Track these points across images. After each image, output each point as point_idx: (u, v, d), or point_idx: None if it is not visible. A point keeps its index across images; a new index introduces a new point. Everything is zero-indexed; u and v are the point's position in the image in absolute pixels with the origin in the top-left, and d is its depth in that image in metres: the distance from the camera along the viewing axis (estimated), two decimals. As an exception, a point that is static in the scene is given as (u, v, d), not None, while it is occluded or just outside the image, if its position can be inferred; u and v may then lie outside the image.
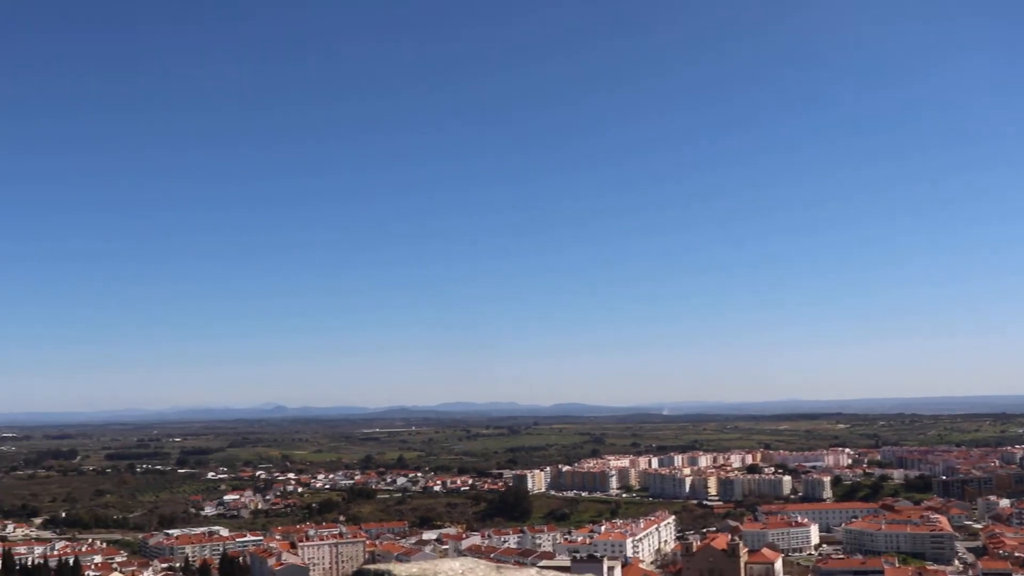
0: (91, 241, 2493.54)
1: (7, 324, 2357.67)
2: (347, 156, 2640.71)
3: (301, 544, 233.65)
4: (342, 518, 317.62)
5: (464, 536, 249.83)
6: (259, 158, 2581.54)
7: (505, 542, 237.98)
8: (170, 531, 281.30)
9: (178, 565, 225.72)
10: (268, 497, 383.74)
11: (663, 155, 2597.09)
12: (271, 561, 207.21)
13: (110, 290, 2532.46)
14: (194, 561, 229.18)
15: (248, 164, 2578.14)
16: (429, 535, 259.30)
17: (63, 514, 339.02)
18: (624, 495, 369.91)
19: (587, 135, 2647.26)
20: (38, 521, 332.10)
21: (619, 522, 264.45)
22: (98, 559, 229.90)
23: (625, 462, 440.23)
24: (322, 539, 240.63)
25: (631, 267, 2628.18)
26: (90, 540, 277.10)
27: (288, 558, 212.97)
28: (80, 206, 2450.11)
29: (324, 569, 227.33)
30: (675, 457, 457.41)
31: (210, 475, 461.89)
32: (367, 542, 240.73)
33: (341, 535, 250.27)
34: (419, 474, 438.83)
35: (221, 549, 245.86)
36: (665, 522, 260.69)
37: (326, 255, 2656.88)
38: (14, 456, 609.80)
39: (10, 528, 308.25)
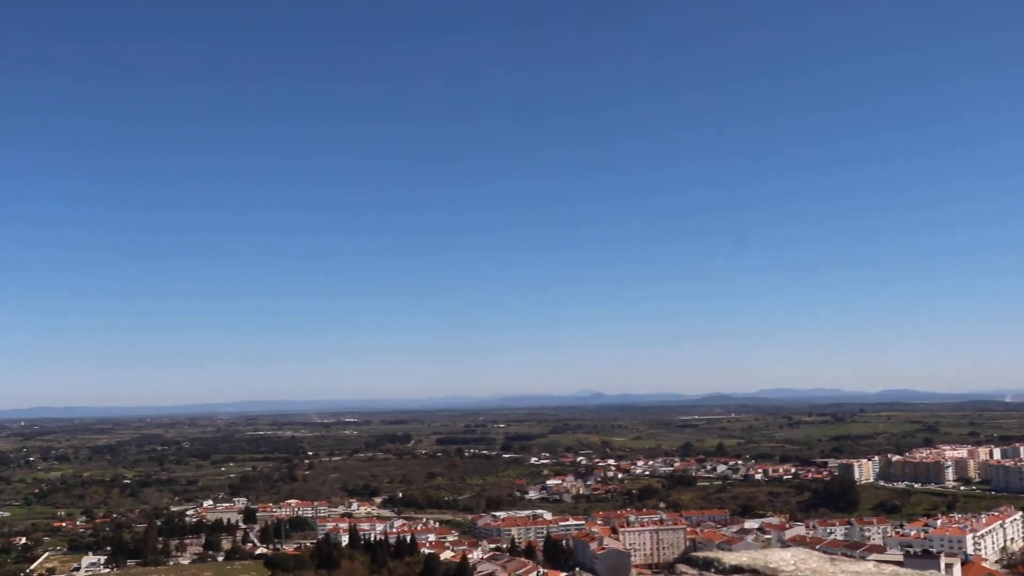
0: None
1: (367, 320, 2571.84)
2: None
3: (622, 529, 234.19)
4: (662, 505, 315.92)
5: (788, 526, 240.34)
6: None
7: (831, 533, 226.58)
8: (497, 513, 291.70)
9: (505, 546, 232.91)
10: (589, 482, 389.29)
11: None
12: (593, 545, 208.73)
13: (444, 286, 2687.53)
14: (520, 543, 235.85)
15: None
16: (751, 524, 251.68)
17: (400, 494, 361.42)
18: (962, 488, 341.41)
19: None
20: (378, 500, 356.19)
21: (957, 516, 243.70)
22: (432, 537, 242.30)
23: (962, 452, 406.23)
24: (643, 525, 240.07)
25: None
26: (424, 519, 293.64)
27: (609, 543, 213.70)
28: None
29: (645, 555, 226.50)
30: (1021, 448, 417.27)
31: (533, 460, 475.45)
32: (687, 529, 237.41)
33: (661, 522, 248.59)
34: (739, 462, 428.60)
35: (545, 532, 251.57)
36: (1011, 518, 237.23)
37: (642, 249, 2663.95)
38: (356, 440, 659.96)
39: (354, 506, 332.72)
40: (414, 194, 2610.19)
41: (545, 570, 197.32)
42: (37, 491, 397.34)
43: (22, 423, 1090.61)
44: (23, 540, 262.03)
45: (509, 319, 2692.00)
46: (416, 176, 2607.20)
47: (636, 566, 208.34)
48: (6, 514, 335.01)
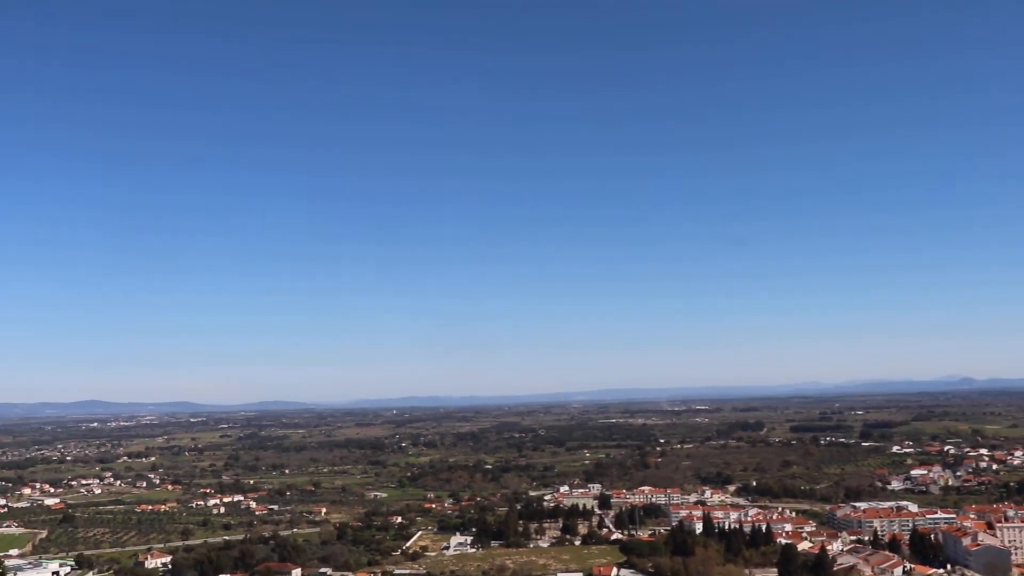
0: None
1: (717, 304, 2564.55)
2: None
3: (999, 525, 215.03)
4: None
5: None
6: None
7: None
8: (857, 504, 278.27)
9: (866, 538, 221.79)
10: (959, 473, 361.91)
11: None
12: (966, 541, 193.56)
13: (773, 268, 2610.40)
14: (883, 535, 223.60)
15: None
16: None
17: (753, 483, 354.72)
18: None
19: None
20: (731, 488, 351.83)
21: None
22: (788, 527, 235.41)
23: None
24: (1023, 521, 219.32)
25: None
26: (779, 508, 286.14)
27: (985, 539, 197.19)
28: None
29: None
30: None
31: (895, 449, 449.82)
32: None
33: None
34: None
35: (910, 525, 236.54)
36: None
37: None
38: (707, 427, 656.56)
39: (707, 494, 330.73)
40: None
41: (911, 565, 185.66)
42: (409, 474, 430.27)
43: (394, 411, 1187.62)
44: (399, 519, 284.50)
45: (864, 300, 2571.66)
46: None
47: (1017, 565, 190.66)
48: (383, 495, 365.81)
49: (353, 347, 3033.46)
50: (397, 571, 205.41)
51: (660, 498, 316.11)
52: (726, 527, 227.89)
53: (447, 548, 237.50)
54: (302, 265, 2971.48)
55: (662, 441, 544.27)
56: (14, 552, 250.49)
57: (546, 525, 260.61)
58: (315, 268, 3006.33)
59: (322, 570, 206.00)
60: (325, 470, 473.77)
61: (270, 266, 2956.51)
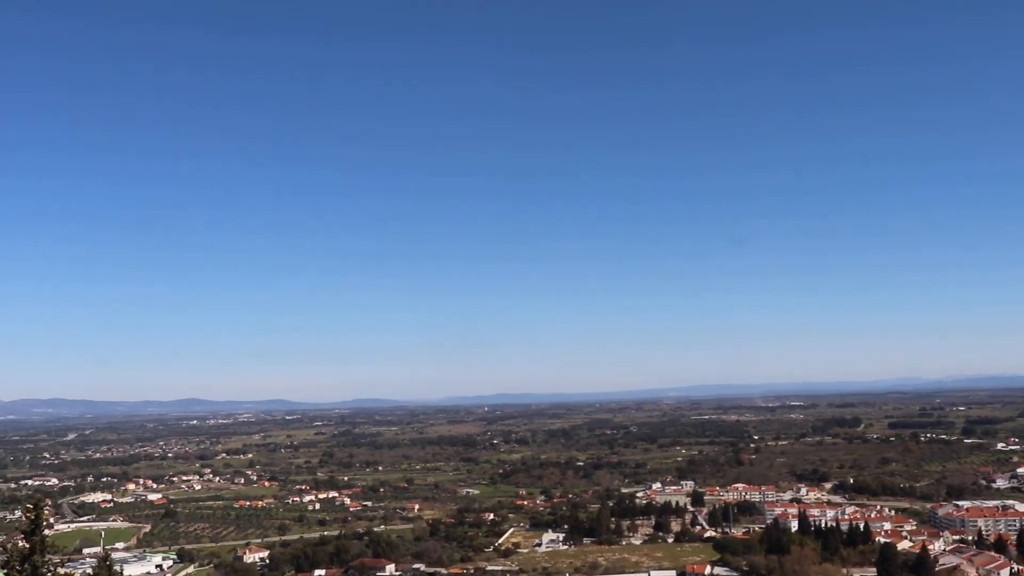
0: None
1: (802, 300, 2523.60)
2: None
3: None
4: None
5: None
6: None
7: None
8: (959, 502, 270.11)
9: (970, 538, 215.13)
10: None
11: None
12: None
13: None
14: (988, 535, 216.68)
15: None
16: None
17: (850, 480, 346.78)
18: None
19: None
20: (827, 486, 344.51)
21: None
22: (887, 526, 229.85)
23: None
24: None
25: None
26: (878, 507, 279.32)
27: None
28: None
29: None
30: None
31: (999, 446, 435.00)
32: None
33: None
34: None
35: (1017, 525, 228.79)
36: None
37: None
38: (802, 424, 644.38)
39: (803, 491, 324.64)
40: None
41: (1019, 566, 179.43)
42: (501, 471, 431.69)
43: (485, 408, 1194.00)
44: (491, 516, 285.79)
45: (969, 294, 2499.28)
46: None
47: None
48: (475, 492, 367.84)
49: (446, 345, 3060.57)
50: (489, 567, 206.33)
51: (754, 496, 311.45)
52: (822, 525, 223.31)
53: (539, 545, 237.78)
54: (399, 264, 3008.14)
55: (756, 438, 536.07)
56: (120, 545, 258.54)
57: (638, 522, 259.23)
58: (411, 268, 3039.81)
59: (415, 566, 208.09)
60: (418, 467, 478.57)
61: (365, 265, 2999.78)
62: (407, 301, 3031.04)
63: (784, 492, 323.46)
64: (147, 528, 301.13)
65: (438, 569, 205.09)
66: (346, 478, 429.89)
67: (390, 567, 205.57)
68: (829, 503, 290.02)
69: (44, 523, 45.36)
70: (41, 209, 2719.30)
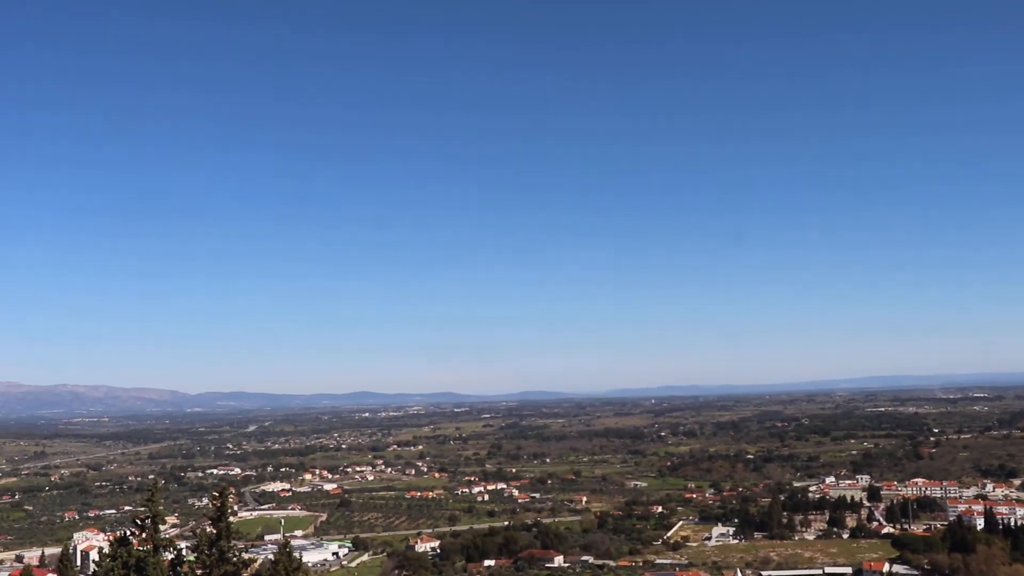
0: None
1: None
2: None
3: None
4: None
5: None
6: None
7: None
8: None
9: None
10: None
11: None
12: None
13: None
14: None
15: None
16: None
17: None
18: None
19: None
20: (1016, 482, 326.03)
21: None
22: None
23: None
24: None
25: None
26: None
27: None
28: None
29: None
30: None
31: None
32: None
33: None
34: None
35: None
36: None
37: None
38: (987, 416, 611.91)
39: (988, 487, 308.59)
40: None
41: None
42: (669, 464, 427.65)
43: (652, 400, 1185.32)
44: (659, 509, 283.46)
45: None
46: None
47: None
48: (644, 484, 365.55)
49: (613, 336, 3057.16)
50: (658, 560, 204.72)
51: (935, 491, 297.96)
52: (1012, 524, 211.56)
53: (708, 539, 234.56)
54: (567, 255, 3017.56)
55: (936, 431, 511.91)
56: (299, 533, 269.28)
57: (811, 517, 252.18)
58: (579, 258, 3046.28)
59: (584, 558, 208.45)
60: (585, 459, 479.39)
61: (532, 258, 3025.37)
62: (573, 291, 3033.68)
63: (967, 488, 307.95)
64: (323, 517, 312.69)
65: (606, 561, 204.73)
66: (514, 470, 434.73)
67: (558, 559, 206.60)
68: (1018, 500, 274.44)
69: (229, 510, 47.65)
70: (223, 207, 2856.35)
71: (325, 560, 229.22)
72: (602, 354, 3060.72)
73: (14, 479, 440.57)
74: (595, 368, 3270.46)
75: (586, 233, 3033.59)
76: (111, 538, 49.94)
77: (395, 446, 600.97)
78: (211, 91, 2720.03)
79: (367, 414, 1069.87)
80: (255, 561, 64.37)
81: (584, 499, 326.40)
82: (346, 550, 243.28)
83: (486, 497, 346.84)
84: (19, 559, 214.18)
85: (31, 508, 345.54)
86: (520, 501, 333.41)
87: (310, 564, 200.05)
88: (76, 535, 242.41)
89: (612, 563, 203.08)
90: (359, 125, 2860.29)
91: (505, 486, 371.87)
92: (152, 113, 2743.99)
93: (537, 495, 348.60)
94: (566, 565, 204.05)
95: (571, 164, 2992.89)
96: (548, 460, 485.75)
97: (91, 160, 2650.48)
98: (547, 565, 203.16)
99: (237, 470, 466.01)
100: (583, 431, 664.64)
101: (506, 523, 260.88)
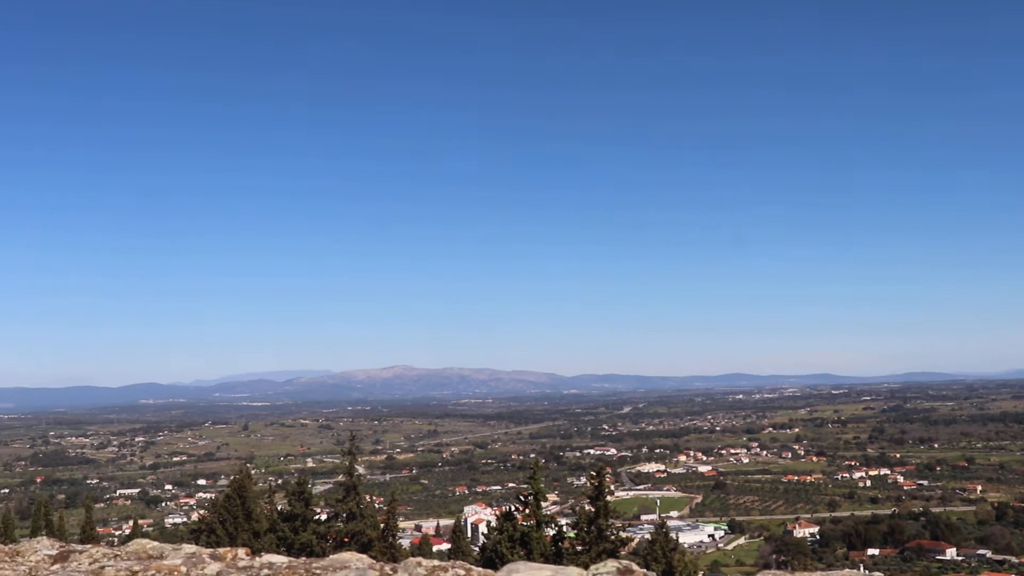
0: None
1: None
2: None
3: None
4: None
5: None
6: None
7: None
8: None
9: None
10: None
11: None
12: None
13: None
14: None
15: None
16: None
17: None
18: None
19: None
20: None
21: None
22: None
23: None
24: None
25: None
26: None
27: None
28: None
29: None
30: None
31: None
32: None
33: None
34: None
35: None
36: None
37: None
38: None
39: None
40: None
41: None
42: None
43: None
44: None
45: None
46: None
47: None
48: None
49: (1007, 313, 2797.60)
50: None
51: None
52: None
53: None
54: (976, 236, 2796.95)
55: None
56: (674, 514, 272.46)
57: None
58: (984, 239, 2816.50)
59: (980, 552, 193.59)
60: (978, 445, 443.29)
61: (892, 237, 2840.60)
62: (966, 268, 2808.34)
63: None
64: (698, 499, 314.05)
65: (1007, 557, 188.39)
66: (897, 455, 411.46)
67: (951, 551, 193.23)
68: None
69: (606, 490, 49.37)
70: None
71: (701, 542, 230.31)
72: (996, 332, 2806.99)
73: (411, 455, 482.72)
74: (988, 347, 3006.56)
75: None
76: (497, 512, 53.44)
77: (770, 428, 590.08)
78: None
79: (740, 396, 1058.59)
80: (632, 540, 66.10)
81: (979, 488, 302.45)
82: (722, 532, 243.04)
83: (868, 483, 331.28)
84: (418, 528, 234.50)
85: (426, 482, 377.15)
86: (906, 488, 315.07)
87: (686, 545, 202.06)
88: (466, 508, 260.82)
89: (1014, 559, 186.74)
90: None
91: (888, 472, 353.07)
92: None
93: (924, 482, 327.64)
94: (959, 558, 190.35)
95: None
96: (936, 445, 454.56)
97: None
98: (938, 557, 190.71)
99: (612, 451, 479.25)
100: (975, 415, 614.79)
101: (890, 511, 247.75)
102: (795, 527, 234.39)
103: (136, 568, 5.21)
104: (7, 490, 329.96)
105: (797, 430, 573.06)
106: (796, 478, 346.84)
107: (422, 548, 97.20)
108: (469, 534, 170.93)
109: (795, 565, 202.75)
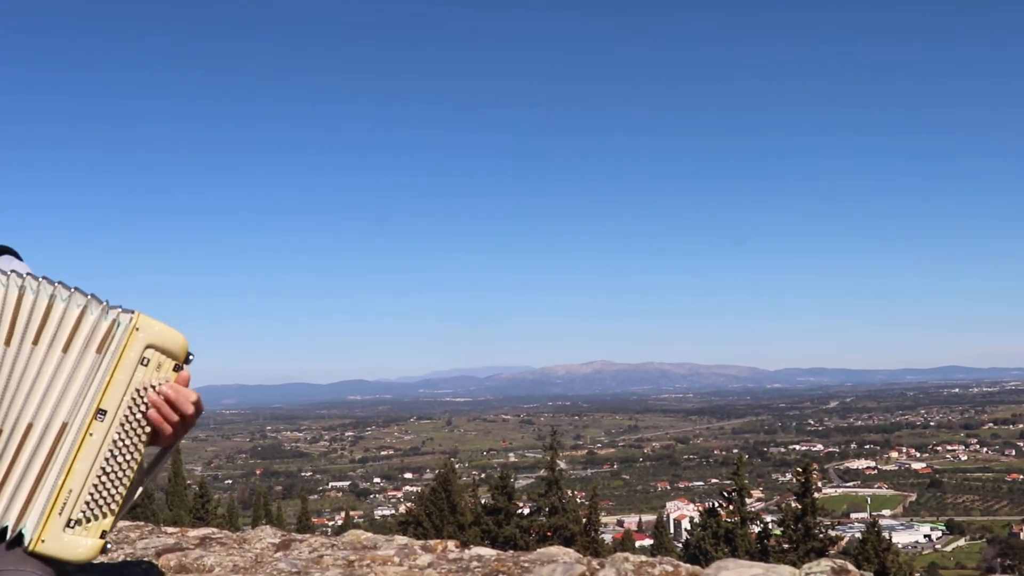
0: None
1: None
2: None
3: None
4: None
5: None
6: None
7: None
8: None
9: None
10: None
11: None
12: None
13: None
14: None
15: None
16: None
17: None
18: None
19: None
20: None
21: None
22: None
23: None
24: None
25: None
26: None
27: None
28: None
29: None
30: None
31: None
32: None
33: None
34: None
35: None
36: None
37: None
38: None
39: None
40: None
41: None
42: None
43: None
44: None
45: None
46: None
47: None
48: None
49: None
50: None
51: None
52: None
53: None
54: None
55: None
56: (886, 512, 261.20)
57: None
58: None
59: None
60: None
61: None
62: None
63: None
64: (912, 497, 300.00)
65: None
66: None
67: None
68: None
69: (813, 487, 48.22)
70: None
71: (916, 542, 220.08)
72: None
73: (612, 450, 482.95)
74: None
75: None
76: (700, 509, 52.99)
77: (990, 424, 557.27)
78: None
79: (956, 390, 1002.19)
80: (842, 539, 64.10)
81: None
82: (939, 533, 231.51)
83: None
84: (619, 523, 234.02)
85: (627, 477, 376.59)
86: None
87: (899, 545, 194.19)
88: (668, 504, 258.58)
89: None
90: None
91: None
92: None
93: None
94: None
95: None
96: None
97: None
98: None
99: (819, 446, 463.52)
100: None
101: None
102: (1021, 529, 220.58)
103: (352, 557, 5.46)
104: (230, 480, 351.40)
105: (1021, 426, 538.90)
106: (1021, 477, 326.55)
107: (624, 543, 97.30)
108: (672, 530, 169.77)
109: (1022, 570, 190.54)
